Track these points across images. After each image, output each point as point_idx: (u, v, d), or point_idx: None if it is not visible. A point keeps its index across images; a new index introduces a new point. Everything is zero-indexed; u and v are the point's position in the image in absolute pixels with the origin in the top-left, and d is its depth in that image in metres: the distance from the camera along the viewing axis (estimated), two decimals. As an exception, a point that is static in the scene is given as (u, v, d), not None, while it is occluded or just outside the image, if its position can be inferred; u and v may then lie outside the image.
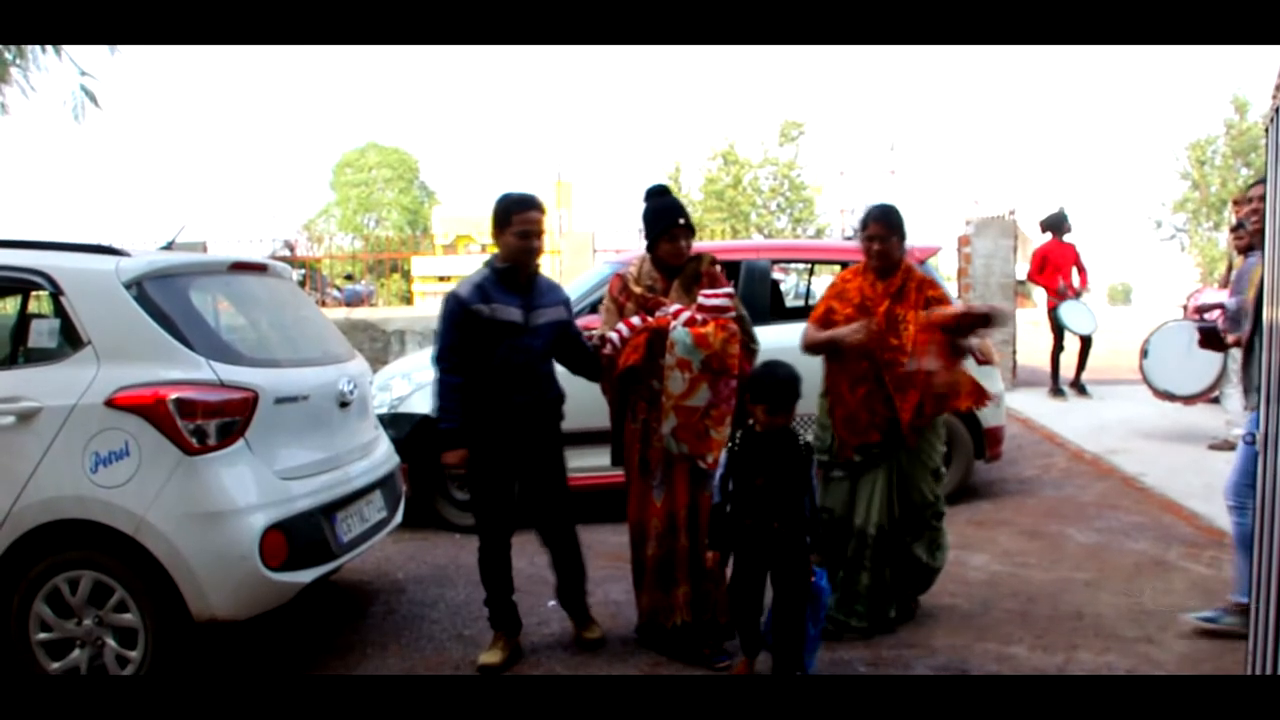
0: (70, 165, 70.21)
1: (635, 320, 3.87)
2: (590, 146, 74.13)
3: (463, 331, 3.77)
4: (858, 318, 4.02)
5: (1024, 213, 13.25)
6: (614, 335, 3.87)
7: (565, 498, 4.08)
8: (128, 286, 3.57)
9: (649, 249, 4.01)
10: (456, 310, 3.79)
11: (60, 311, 3.60)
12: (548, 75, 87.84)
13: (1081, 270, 10.28)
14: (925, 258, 6.82)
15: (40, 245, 3.81)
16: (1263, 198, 3.90)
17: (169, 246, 4.74)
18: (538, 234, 3.88)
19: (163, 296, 3.65)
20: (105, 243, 3.98)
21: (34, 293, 3.89)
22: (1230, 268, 8.41)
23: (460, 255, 18.26)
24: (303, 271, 13.51)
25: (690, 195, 31.69)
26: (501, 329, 3.78)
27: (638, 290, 3.96)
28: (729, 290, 3.91)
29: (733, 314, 3.87)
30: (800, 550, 3.46)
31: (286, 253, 15.03)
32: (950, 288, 8.66)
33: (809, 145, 41.95)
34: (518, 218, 3.79)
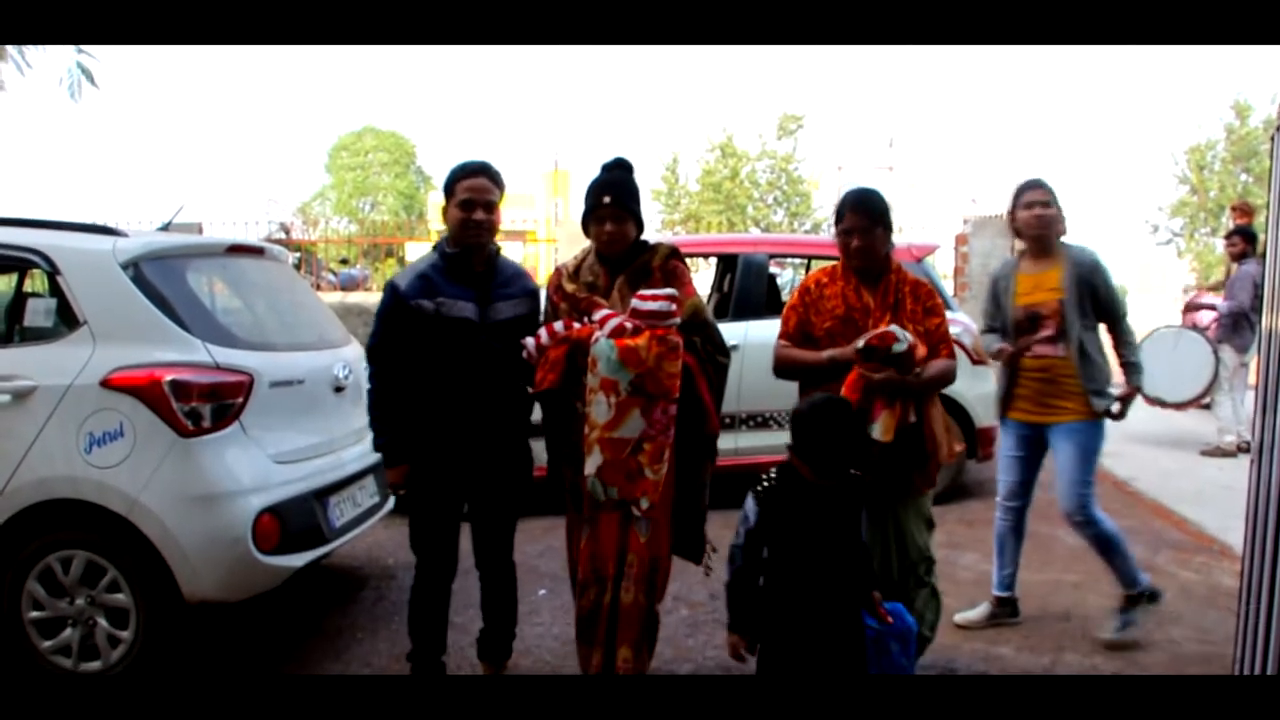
0: (67, 144, 69.88)
1: (558, 326, 3.16)
2: (588, 135, 73.95)
3: (397, 329, 3.21)
4: (844, 332, 3.22)
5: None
6: (530, 342, 3.19)
7: (511, 532, 3.55)
8: (124, 267, 3.56)
9: (586, 234, 3.33)
10: (390, 304, 3.22)
11: (56, 291, 3.59)
12: (547, 62, 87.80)
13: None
14: (923, 255, 6.83)
15: (37, 224, 3.81)
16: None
17: (166, 228, 4.73)
18: (485, 205, 3.22)
19: (159, 278, 3.64)
20: (102, 223, 3.97)
21: (30, 271, 3.88)
22: (1228, 274, 8.45)
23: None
24: (298, 255, 13.46)
25: (688, 187, 31.67)
26: (452, 328, 3.19)
27: (570, 288, 3.27)
28: (670, 291, 3.10)
29: (675, 321, 3.08)
30: (858, 627, 2.74)
31: (282, 235, 15.00)
32: (946, 285, 8.66)
33: (807, 139, 41.97)
34: (460, 185, 3.23)
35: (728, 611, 2.83)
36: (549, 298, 3.35)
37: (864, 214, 3.23)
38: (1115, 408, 3.90)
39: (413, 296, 3.18)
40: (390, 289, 3.24)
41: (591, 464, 3.03)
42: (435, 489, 3.32)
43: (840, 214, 3.30)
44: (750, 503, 2.73)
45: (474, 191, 3.21)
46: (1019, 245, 4.09)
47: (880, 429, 3.07)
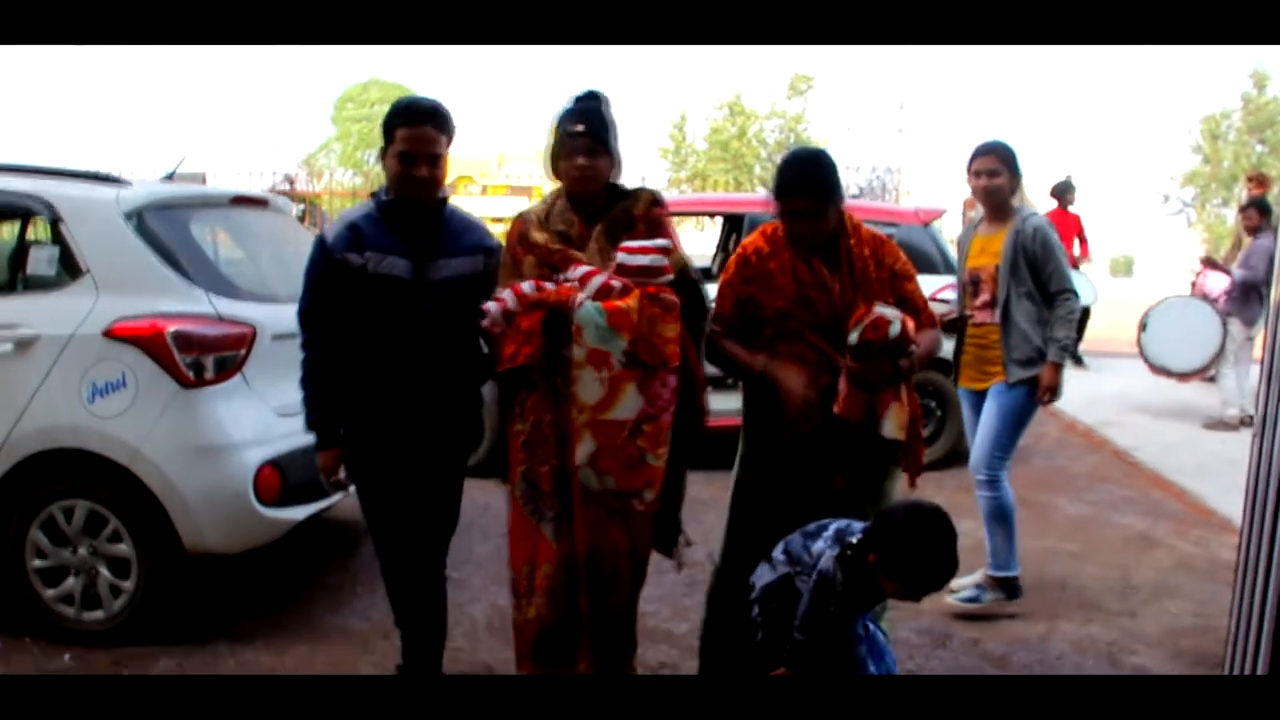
0: (69, 91, 69.38)
1: (526, 287, 2.63)
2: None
3: (327, 288, 2.80)
4: (798, 315, 2.75)
5: (1032, 178, 13.11)
6: (493, 305, 2.65)
7: (448, 535, 3.11)
8: (128, 217, 3.54)
9: (556, 174, 2.84)
10: (319, 260, 2.80)
11: (59, 239, 3.57)
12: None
13: (1084, 241, 10.23)
14: (930, 220, 6.80)
15: (41, 172, 3.78)
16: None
17: (170, 177, 4.70)
18: (428, 159, 2.75)
19: (162, 228, 3.62)
20: (105, 171, 3.94)
21: (33, 219, 3.86)
22: (1238, 245, 8.38)
23: (460, 196, 18.08)
24: (302, 207, 13.41)
25: (695, 145, 31.47)
26: (381, 286, 2.76)
27: (541, 238, 2.74)
28: (662, 242, 2.67)
29: (668, 278, 2.65)
30: None
31: (286, 187, 14.95)
32: (953, 250, 8.61)
33: (817, 100, 41.55)
34: (400, 133, 2.73)
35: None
36: (509, 250, 2.82)
37: (813, 195, 2.70)
38: (1019, 375, 3.72)
39: (340, 250, 2.76)
40: (318, 243, 2.83)
41: (582, 452, 2.58)
42: (379, 474, 2.92)
43: (783, 193, 2.74)
44: (833, 569, 2.37)
45: (414, 143, 2.73)
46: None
47: (893, 425, 2.69)
